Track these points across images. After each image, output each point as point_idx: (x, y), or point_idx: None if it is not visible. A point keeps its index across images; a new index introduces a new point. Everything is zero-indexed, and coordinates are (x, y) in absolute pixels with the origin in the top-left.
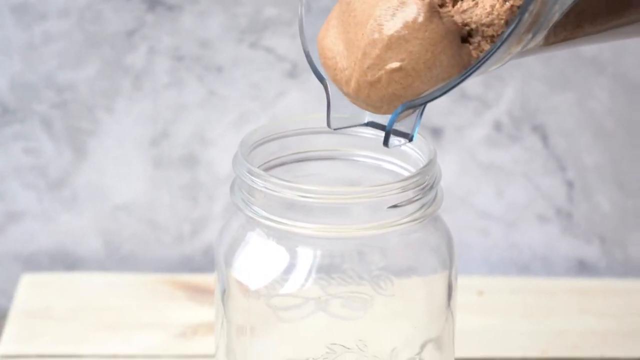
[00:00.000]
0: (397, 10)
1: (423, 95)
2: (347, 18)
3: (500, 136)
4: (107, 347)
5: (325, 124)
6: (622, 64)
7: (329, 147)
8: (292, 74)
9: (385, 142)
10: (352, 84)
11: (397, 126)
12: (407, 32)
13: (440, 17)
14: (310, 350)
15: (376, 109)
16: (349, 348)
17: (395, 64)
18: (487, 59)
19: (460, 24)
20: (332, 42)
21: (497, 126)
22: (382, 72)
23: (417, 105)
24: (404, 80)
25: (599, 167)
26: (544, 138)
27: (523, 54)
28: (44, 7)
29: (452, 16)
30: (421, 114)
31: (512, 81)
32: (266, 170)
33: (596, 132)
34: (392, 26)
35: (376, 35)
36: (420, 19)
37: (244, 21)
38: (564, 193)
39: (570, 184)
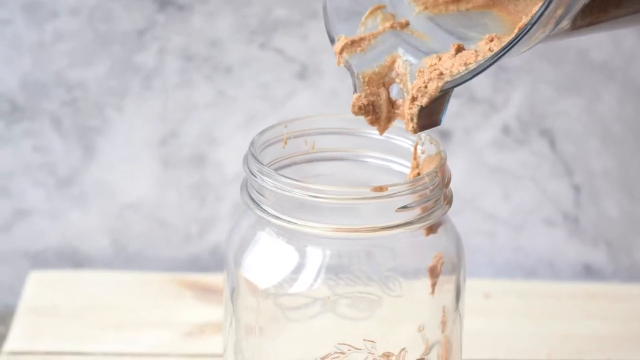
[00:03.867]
0: None
1: (454, 78)
2: None
3: (508, 140)
4: (113, 346)
5: (333, 125)
6: (632, 69)
7: (339, 147)
8: (302, 75)
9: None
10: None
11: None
12: None
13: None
14: (318, 350)
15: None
16: (358, 348)
17: None
18: (517, 43)
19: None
20: None
21: (505, 130)
22: None
23: (447, 88)
24: None
25: (607, 172)
26: (552, 142)
27: (551, 37)
28: (55, 5)
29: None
30: (449, 98)
31: (521, 85)
32: (275, 170)
33: (604, 137)
34: None
35: None
36: None
37: (254, 22)
38: (571, 197)
39: (577, 189)
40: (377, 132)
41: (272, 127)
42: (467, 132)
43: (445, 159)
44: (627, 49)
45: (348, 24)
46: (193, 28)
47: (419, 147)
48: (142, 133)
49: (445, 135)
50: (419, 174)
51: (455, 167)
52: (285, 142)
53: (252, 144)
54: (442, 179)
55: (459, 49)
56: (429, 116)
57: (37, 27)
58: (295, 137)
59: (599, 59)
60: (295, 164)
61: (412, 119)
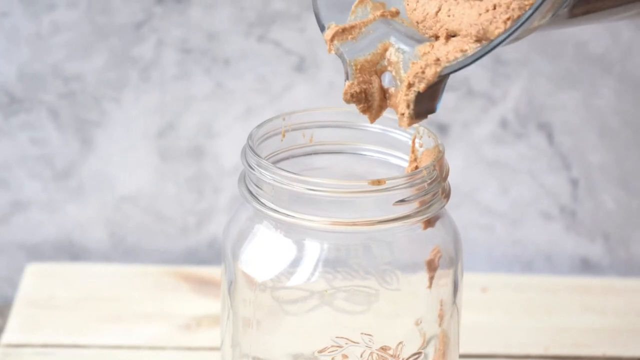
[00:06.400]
0: None
1: (452, 63)
2: None
3: (506, 133)
4: (110, 338)
5: (331, 118)
6: (629, 63)
7: (337, 140)
8: (300, 67)
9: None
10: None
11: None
12: None
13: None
14: (315, 344)
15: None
16: (355, 342)
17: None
18: (515, 30)
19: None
20: None
21: (503, 123)
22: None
23: (445, 73)
24: None
25: (604, 165)
26: (550, 136)
27: (549, 26)
28: None
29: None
30: (445, 85)
31: (519, 78)
32: (273, 163)
33: (601, 131)
34: None
35: None
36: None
37: (252, 14)
38: (568, 191)
39: (574, 182)
40: (375, 125)
41: (270, 120)
42: (465, 125)
43: (443, 152)
44: (625, 42)
45: (337, 14)
46: (191, 20)
47: (417, 140)
48: (140, 125)
49: (443, 129)
50: (417, 167)
51: (453, 160)
52: (283, 135)
53: (250, 137)
54: (440, 172)
55: (448, 36)
56: (426, 103)
57: (34, 18)
58: (293, 130)
59: (597, 52)
60: (293, 157)
61: (408, 106)
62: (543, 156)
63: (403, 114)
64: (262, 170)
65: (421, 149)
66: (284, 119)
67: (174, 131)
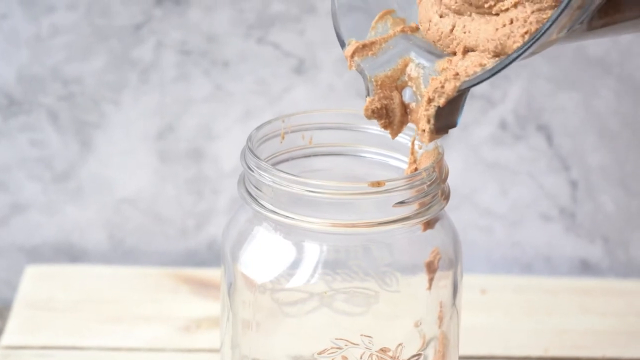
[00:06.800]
0: None
1: (471, 78)
2: None
3: (505, 135)
4: (110, 340)
5: (331, 119)
6: (628, 64)
7: (336, 142)
8: (299, 69)
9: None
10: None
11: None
12: None
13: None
14: (315, 345)
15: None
16: (355, 343)
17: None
18: (533, 43)
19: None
20: None
21: (502, 125)
22: None
23: (464, 88)
24: None
25: (603, 167)
26: (549, 137)
27: (567, 39)
28: None
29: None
30: (465, 99)
31: (518, 80)
32: (273, 165)
33: (601, 133)
34: None
35: None
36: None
37: (251, 16)
38: (567, 193)
39: (574, 184)
40: (374, 127)
41: (269, 122)
42: (464, 127)
43: (443, 154)
44: (624, 44)
45: (357, 30)
46: (190, 22)
47: (416, 142)
48: (139, 127)
49: None
50: (416, 169)
51: (453, 162)
52: (283, 137)
53: (249, 138)
54: (440, 174)
55: (466, 51)
56: (446, 117)
57: (34, 21)
58: (292, 132)
59: (596, 54)
60: (292, 158)
61: (429, 121)
62: (542, 158)
63: (424, 130)
64: (261, 172)
65: (420, 151)
66: (283, 121)
67: (174, 133)
